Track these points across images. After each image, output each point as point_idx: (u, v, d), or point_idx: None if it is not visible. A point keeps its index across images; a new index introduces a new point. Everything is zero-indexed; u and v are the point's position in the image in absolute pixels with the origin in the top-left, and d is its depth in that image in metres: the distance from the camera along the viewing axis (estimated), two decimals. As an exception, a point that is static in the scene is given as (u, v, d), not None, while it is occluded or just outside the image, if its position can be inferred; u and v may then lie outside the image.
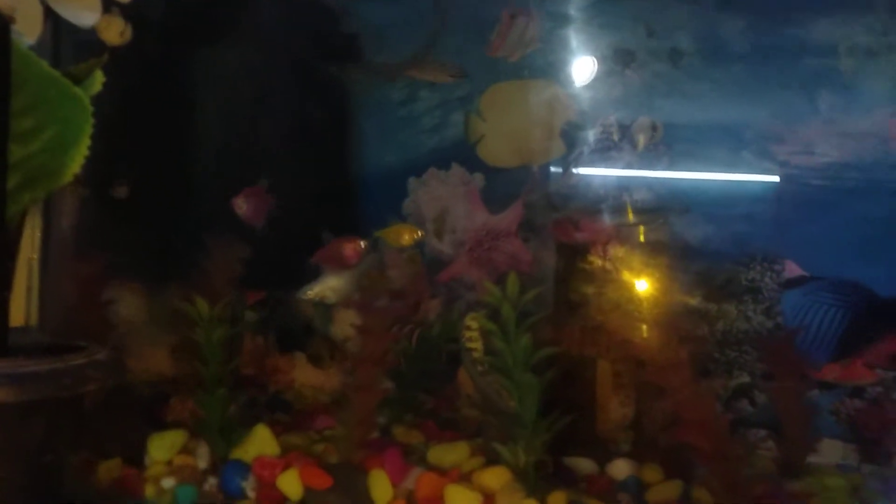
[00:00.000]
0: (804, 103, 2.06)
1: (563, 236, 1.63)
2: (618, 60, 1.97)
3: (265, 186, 1.97)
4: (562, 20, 1.92)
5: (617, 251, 1.52)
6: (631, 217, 1.66)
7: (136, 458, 1.43)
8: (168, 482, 1.37)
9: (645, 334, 1.35)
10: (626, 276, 1.49)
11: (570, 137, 1.85)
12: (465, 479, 1.33)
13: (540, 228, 1.84)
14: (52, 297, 1.73)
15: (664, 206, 1.70)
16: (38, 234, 1.72)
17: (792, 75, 2.05)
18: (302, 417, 1.68)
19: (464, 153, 1.93)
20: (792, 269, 1.84)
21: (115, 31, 1.49)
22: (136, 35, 1.57)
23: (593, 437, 1.46)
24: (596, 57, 1.88)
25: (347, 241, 1.91)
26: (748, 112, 2.09)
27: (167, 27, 2.10)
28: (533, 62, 1.82)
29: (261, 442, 1.42)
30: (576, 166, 1.90)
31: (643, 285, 1.48)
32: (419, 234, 1.90)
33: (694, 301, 1.76)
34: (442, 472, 1.35)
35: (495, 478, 1.30)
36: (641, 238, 1.62)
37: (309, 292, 1.95)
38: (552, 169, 1.96)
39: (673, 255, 1.54)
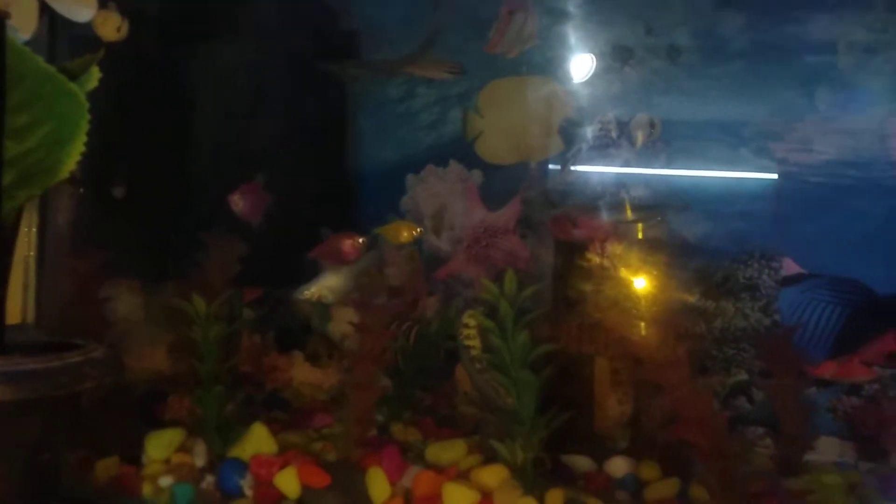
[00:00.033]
0: (802, 101, 2.06)
1: (561, 233, 1.62)
2: (616, 57, 1.96)
3: (262, 183, 1.96)
4: (560, 17, 1.91)
5: (615, 248, 1.51)
6: (629, 214, 1.66)
7: (133, 456, 1.42)
8: (165, 480, 1.37)
9: (643, 331, 1.35)
10: (624, 273, 1.49)
11: (568, 134, 1.85)
12: (462, 476, 1.33)
13: (538, 225, 1.84)
14: (48, 294, 1.72)
15: (662, 204, 1.70)
16: (34, 231, 1.71)
17: (790, 73, 2.05)
18: (300, 415, 1.68)
19: (462, 150, 1.92)
20: (790, 267, 1.85)
21: (112, 27, 1.49)
22: (132, 31, 1.56)
23: (591, 434, 1.46)
24: (594, 54, 1.88)
25: (346, 237, 1.91)
26: (746, 109, 2.10)
27: (164, 23, 2.10)
28: (531, 59, 1.81)
29: (258, 440, 1.41)
30: (574, 163, 1.90)
31: (641, 282, 1.48)
32: (418, 230, 1.90)
33: (692, 298, 1.76)
34: (440, 469, 1.35)
35: (493, 475, 1.30)
36: (639, 235, 1.62)
37: (306, 292, 1.95)
38: (550, 166, 1.96)
39: (671, 252, 1.54)
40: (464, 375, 1.61)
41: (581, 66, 1.86)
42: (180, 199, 2.16)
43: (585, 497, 1.27)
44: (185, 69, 2.25)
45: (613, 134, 1.91)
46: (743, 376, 1.74)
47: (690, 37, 2.08)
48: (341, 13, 2.45)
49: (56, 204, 1.77)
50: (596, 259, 1.52)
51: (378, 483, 1.30)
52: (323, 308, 1.96)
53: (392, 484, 1.31)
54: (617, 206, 1.67)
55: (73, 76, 1.14)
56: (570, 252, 1.57)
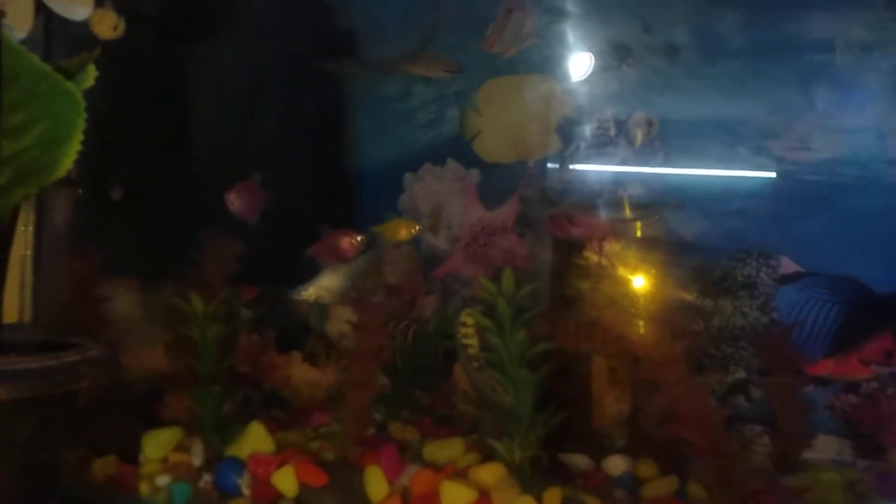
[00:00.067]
0: (800, 99, 2.06)
1: (559, 232, 1.62)
2: (614, 56, 1.96)
3: (258, 181, 1.96)
4: (558, 15, 1.91)
5: (613, 247, 1.51)
6: (627, 213, 1.66)
7: (130, 455, 1.42)
8: (163, 479, 1.37)
9: (641, 330, 1.35)
10: (622, 271, 1.49)
11: (566, 133, 1.85)
12: (460, 475, 1.33)
13: (536, 224, 1.83)
14: (45, 293, 1.72)
15: (660, 202, 1.70)
16: (30, 229, 1.71)
17: (788, 71, 2.05)
18: (297, 414, 1.68)
19: (460, 148, 1.92)
20: (787, 265, 1.85)
21: (108, 25, 1.48)
22: (129, 29, 1.56)
23: (589, 432, 1.46)
24: (592, 52, 1.88)
25: (344, 235, 1.91)
26: (744, 108, 2.09)
27: (161, 21, 2.09)
28: (529, 57, 1.81)
29: (256, 439, 1.41)
30: (572, 162, 1.90)
31: (639, 281, 1.48)
32: (416, 229, 1.90)
33: (690, 297, 1.76)
34: (437, 468, 1.35)
35: (491, 474, 1.30)
36: (637, 234, 1.62)
37: (304, 293, 1.95)
38: (548, 164, 1.96)
39: (669, 250, 1.54)
40: (462, 374, 1.61)
41: (579, 64, 1.86)
42: (178, 197, 2.16)
43: (583, 495, 1.27)
44: (181, 67, 2.25)
45: (611, 132, 1.92)
46: (741, 374, 1.74)
47: (688, 35, 2.08)
48: (339, 11, 2.44)
49: (52, 203, 1.77)
50: (594, 257, 1.51)
51: (376, 482, 1.30)
52: (321, 307, 1.96)
53: (390, 482, 1.31)
54: (615, 205, 1.67)
55: (70, 75, 1.13)
56: (568, 250, 1.57)
